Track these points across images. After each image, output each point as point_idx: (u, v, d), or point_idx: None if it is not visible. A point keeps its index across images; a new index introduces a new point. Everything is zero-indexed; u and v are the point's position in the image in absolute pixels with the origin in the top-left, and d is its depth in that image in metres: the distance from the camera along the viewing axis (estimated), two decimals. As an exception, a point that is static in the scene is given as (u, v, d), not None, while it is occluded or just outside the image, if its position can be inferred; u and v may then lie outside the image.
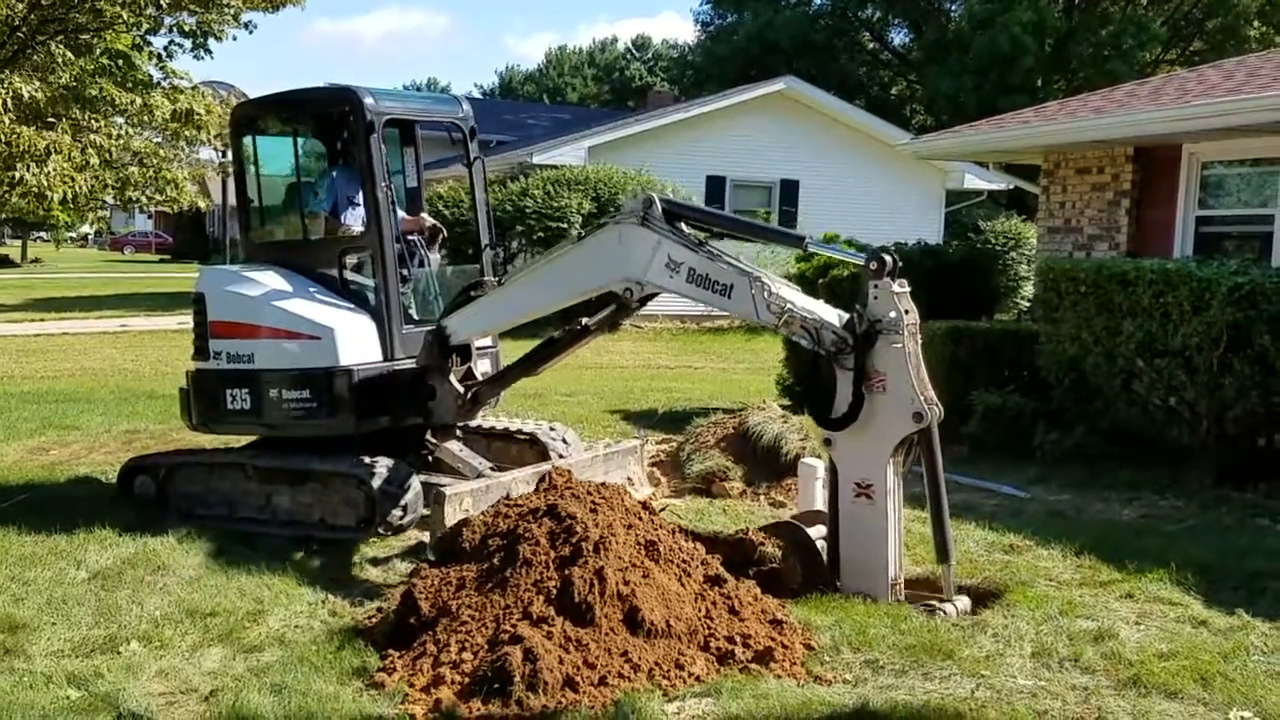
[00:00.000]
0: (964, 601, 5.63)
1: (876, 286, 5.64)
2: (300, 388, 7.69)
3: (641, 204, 6.42)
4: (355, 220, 8.15)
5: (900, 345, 5.56)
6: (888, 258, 5.64)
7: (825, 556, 5.97)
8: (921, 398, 5.51)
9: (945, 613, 5.51)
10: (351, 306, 7.87)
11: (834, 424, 5.71)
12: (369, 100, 7.74)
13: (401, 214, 8.59)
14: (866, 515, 5.64)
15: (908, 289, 5.72)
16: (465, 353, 7.69)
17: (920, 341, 5.71)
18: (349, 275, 8.06)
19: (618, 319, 7.19)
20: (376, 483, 7.25)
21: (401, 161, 9.06)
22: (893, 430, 5.61)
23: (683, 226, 6.39)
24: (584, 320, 7.24)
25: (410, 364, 7.72)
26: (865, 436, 5.65)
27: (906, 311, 5.61)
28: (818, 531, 6.10)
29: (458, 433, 8.09)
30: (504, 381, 7.83)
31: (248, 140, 8.54)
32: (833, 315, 5.87)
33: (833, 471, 5.84)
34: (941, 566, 5.62)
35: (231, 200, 9.00)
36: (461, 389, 7.58)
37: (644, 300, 6.62)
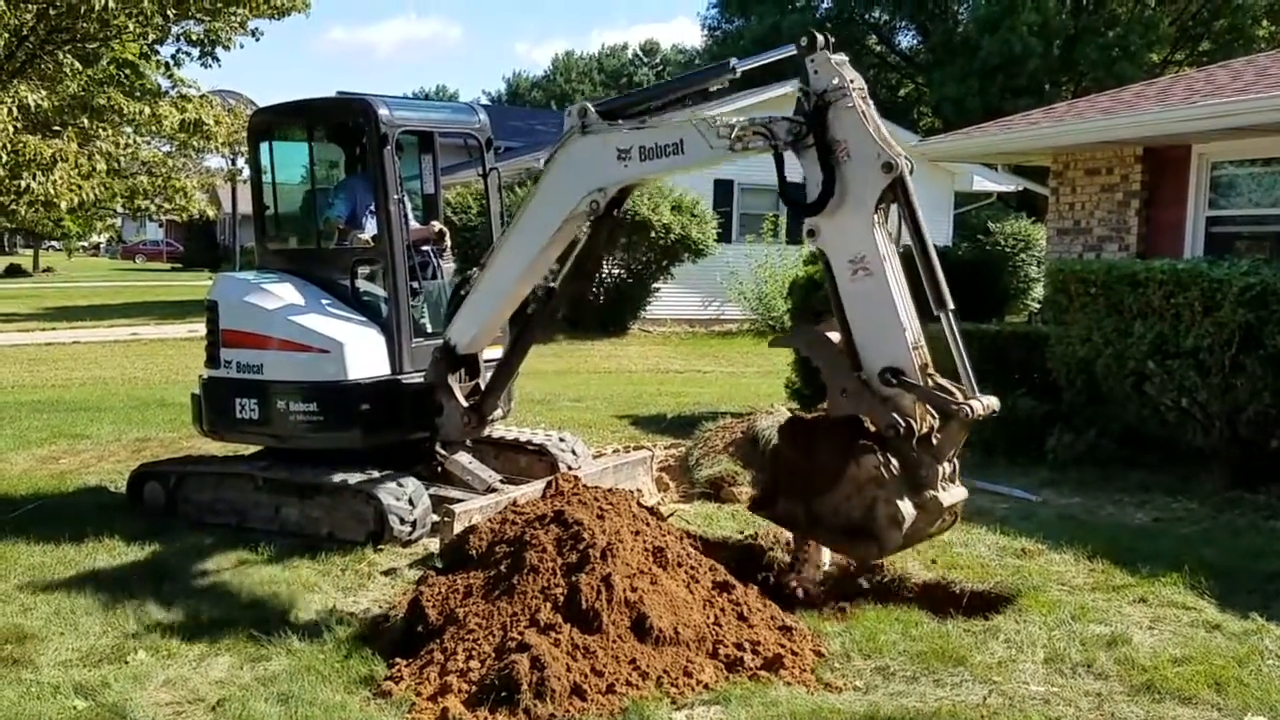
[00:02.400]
0: (991, 400, 5.27)
1: (813, 61, 5.48)
2: (308, 400, 7.69)
3: (577, 114, 6.39)
4: (373, 229, 8.13)
5: (852, 107, 5.38)
6: (818, 35, 5.52)
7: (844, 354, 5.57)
8: (887, 149, 5.29)
9: (969, 409, 5.08)
10: (362, 319, 7.85)
11: (813, 208, 5.46)
12: (383, 111, 7.73)
13: (415, 224, 8.60)
14: (870, 288, 5.34)
15: (846, 59, 5.58)
16: (473, 368, 7.61)
17: (872, 106, 5.51)
18: (361, 286, 8.05)
19: (594, 249, 6.92)
20: (386, 498, 7.23)
21: (419, 169, 9.06)
22: (868, 192, 5.35)
23: (620, 123, 6.31)
24: (548, 281, 7.07)
25: (420, 378, 7.68)
26: (844, 210, 5.41)
27: (851, 80, 5.44)
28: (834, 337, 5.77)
29: (467, 444, 8.07)
30: (500, 385, 7.62)
31: (264, 148, 8.55)
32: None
33: (824, 262, 5.55)
34: (940, 312, 5.28)
35: (242, 208, 9.04)
36: (467, 405, 7.51)
37: (613, 206, 6.46)
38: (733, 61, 6.20)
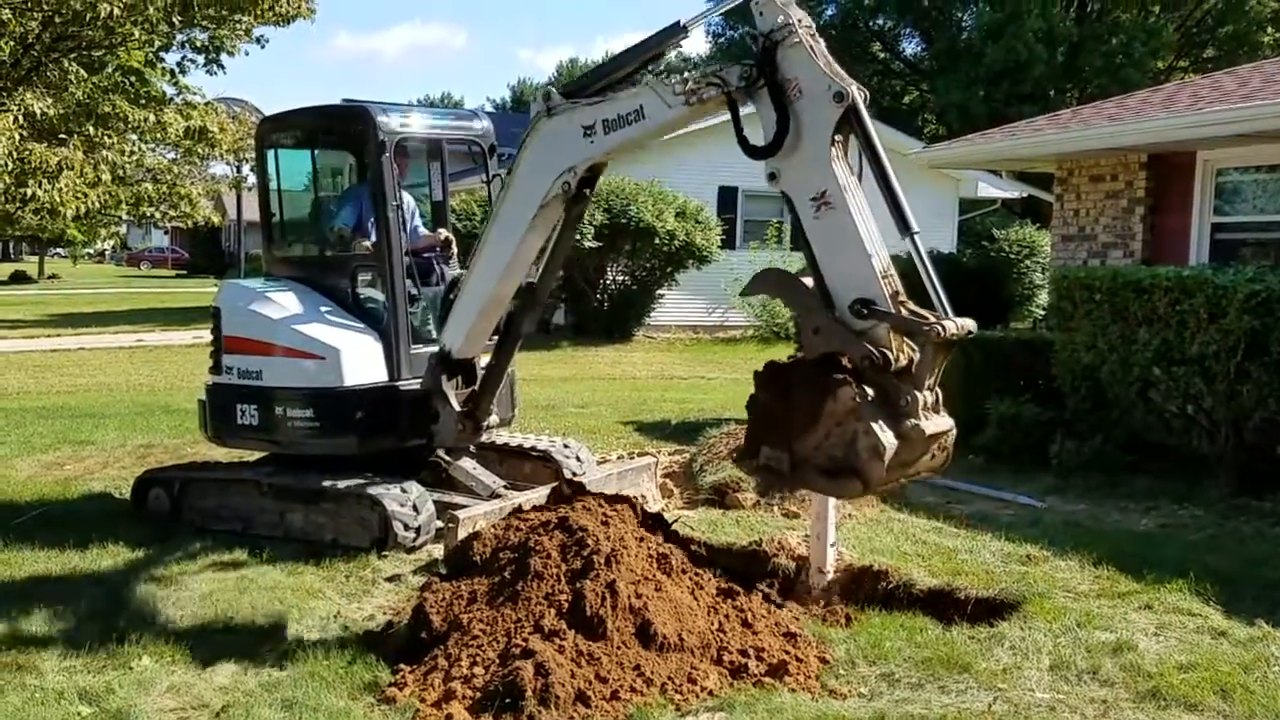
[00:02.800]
0: (966, 321, 5.14)
1: (758, 3, 5.42)
2: (305, 406, 7.71)
3: (542, 99, 6.39)
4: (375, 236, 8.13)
5: (799, 43, 5.32)
6: None
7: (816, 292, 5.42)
8: (837, 80, 5.21)
9: (940, 329, 4.96)
10: (361, 326, 7.87)
11: (769, 149, 5.37)
12: (383, 118, 7.74)
13: (424, 231, 8.61)
14: (833, 221, 5.24)
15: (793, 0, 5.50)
16: (468, 374, 7.59)
17: (820, 41, 5.45)
18: (362, 293, 8.07)
19: (571, 230, 6.93)
20: (391, 504, 7.23)
21: (428, 176, 9.07)
22: (822, 124, 5.27)
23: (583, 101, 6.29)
24: (529, 278, 7.10)
25: (418, 384, 7.68)
26: (802, 148, 5.34)
27: (799, 20, 5.38)
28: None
29: (471, 450, 8.07)
30: (491, 389, 7.60)
31: (271, 156, 8.58)
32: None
33: (790, 204, 5.44)
34: (905, 237, 5.16)
35: (246, 215, 9.09)
36: (461, 411, 7.49)
37: (584, 186, 6.46)
38: (682, 20, 6.08)
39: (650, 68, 6.31)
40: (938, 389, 5.13)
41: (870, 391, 4.93)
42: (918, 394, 4.96)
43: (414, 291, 8.01)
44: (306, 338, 7.73)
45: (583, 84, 6.37)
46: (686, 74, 5.79)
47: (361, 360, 7.71)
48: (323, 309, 7.94)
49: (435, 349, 7.56)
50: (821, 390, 4.97)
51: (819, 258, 5.28)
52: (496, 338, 7.52)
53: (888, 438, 4.85)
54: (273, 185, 8.63)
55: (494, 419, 7.90)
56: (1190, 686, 4.93)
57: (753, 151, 5.44)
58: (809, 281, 5.33)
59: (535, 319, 7.43)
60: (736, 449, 9.11)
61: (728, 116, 5.73)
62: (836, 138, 5.27)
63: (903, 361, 5.04)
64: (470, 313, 7.25)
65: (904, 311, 5.04)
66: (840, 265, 5.21)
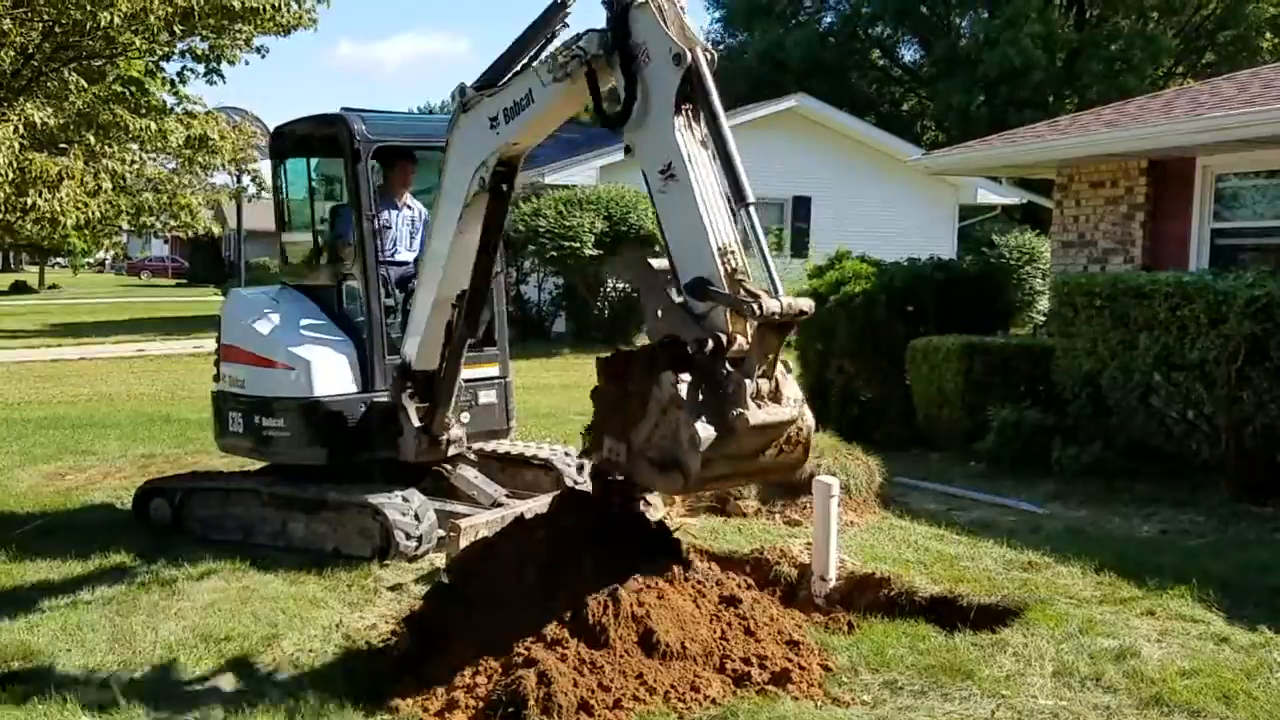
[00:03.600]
0: (799, 301, 4.80)
1: None
2: (277, 416, 7.76)
3: (458, 93, 6.34)
4: (387, 244, 8.12)
5: (645, 3, 5.11)
6: None
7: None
8: (678, 42, 4.98)
9: (758, 307, 4.62)
10: (339, 337, 7.88)
11: (619, 119, 5.20)
12: (358, 126, 7.74)
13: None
14: (676, 195, 5.03)
15: None
16: (424, 386, 7.44)
17: (677, 4, 5.17)
18: (346, 303, 8.08)
19: (495, 230, 6.66)
20: (392, 513, 7.23)
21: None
22: (666, 90, 5.05)
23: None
24: (462, 289, 6.93)
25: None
26: (650, 117, 5.13)
27: None
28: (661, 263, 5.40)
29: (472, 458, 8.07)
30: (443, 401, 7.41)
31: (281, 166, 8.65)
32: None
33: (645, 178, 5.24)
34: (740, 208, 4.93)
35: (247, 225, 9.14)
36: (419, 427, 7.42)
37: (501, 180, 6.32)
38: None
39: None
40: (780, 376, 4.86)
41: (695, 379, 4.73)
42: (745, 381, 4.67)
43: (390, 302, 7.97)
44: (280, 347, 7.80)
45: (491, 76, 6.22)
46: (554, 50, 5.61)
47: (333, 371, 7.72)
48: (306, 320, 7.97)
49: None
50: (651, 380, 4.81)
51: (667, 234, 5.11)
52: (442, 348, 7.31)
53: (705, 429, 4.62)
54: (282, 195, 8.72)
55: (457, 431, 7.68)
56: (1193, 693, 4.93)
57: (607, 121, 5.28)
58: (663, 263, 5.15)
59: (475, 326, 7.20)
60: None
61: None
62: (685, 106, 5.03)
63: (745, 346, 4.74)
64: (421, 321, 7.19)
65: (741, 291, 4.73)
66: (683, 241, 5.01)
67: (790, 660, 5.19)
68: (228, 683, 5.33)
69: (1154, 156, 11.55)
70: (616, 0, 5.18)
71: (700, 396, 4.71)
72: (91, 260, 76.06)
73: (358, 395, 7.75)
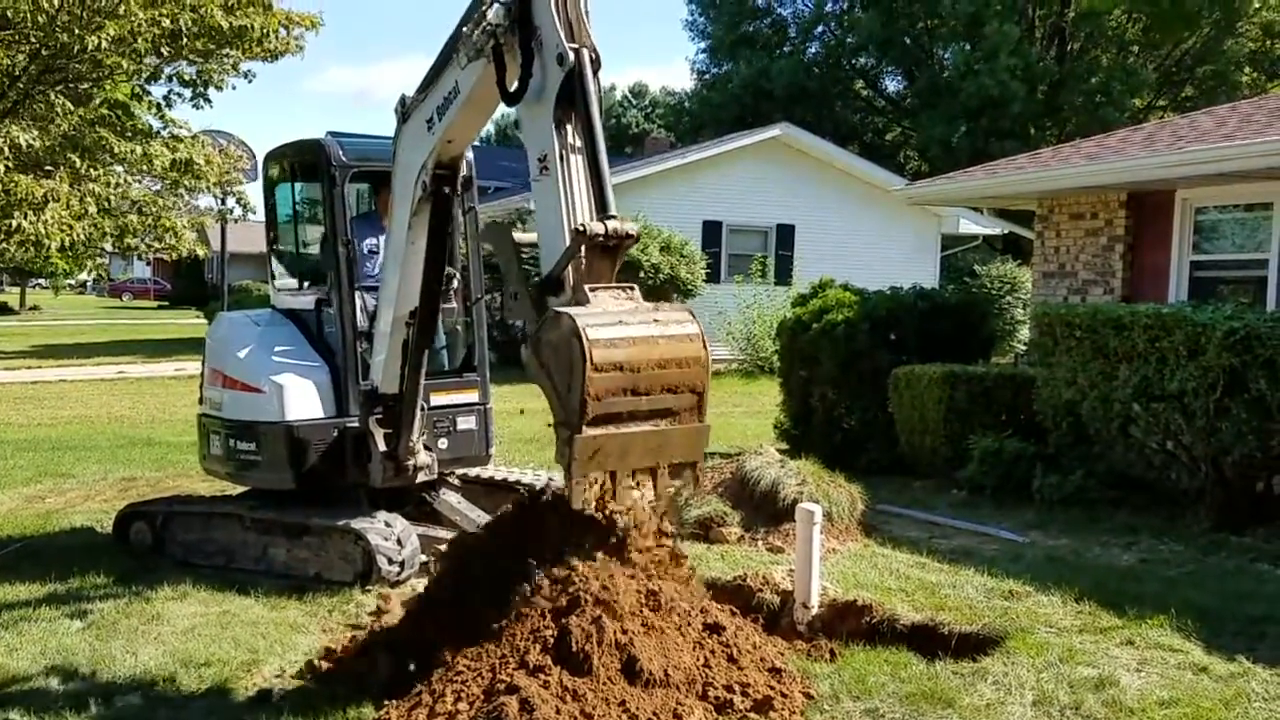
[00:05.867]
0: (625, 225, 4.92)
1: None
2: (249, 439, 7.78)
3: (399, 105, 6.40)
4: (373, 268, 8.13)
5: None
6: None
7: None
8: (567, 41, 4.99)
9: (585, 226, 4.80)
10: (316, 361, 7.88)
11: (513, 96, 5.22)
12: (334, 151, 7.78)
13: None
14: (546, 188, 5.07)
15: None
16: (390, 412, 7.44)
17: None
18: (326, 327, 8.09)
19: (440, 240, 6.69)
20: (374, 538, 7.22)
21: None
22: (548, 88, 5.08)
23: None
24: (414, 306, 6.95)
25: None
26: (536, 104, 5.16)
27: None
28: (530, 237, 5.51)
29: (456, 484, 8.07)
30: (405, 427, 7.41)
31: (269, 188, 8.68)
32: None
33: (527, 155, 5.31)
34: (600, 216, 4.93)
35: (230, 247, 9.15)
36: (384, 452, 7.43)
37: (442, 183, 6.35)
38: None
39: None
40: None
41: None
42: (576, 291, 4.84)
43: (364, 327, 7.97)
44: (253, 371, 7.83)
45: (425, 81, 6.25)
46: (469, 30, 5.55)
47: (304, 396, 7.73)
48: (283, 345, 7.97)
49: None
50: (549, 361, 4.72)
51: (538, 224, 5.17)
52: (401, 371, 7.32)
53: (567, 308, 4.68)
54: (273, 219, 8.76)
55: (424, 458, 7.67)
56: (1172, 722, 4.95)
57: (505, 96, 5.30)
58: (532, 238, 5.22)
59: (427, 342, 7.17)
60: (721, 483, 9.15)
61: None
62: (565, 105, 5.05)
63: None
64: (382, 343, 7.22)
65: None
66: (544, 234, 5.09)
67: (773, 688, 5.19)
68: (208, 708, 5.30)
69: (1134, 189, 11.67)
70: None
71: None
72: (73, 282, 75.69)
73: (329, 420, 7.74)
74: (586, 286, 4.77)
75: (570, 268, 4.86)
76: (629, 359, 4.68)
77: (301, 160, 8.40)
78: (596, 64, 5.01)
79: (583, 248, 4.86)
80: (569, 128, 5.07)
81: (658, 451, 4.96)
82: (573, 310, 4.65)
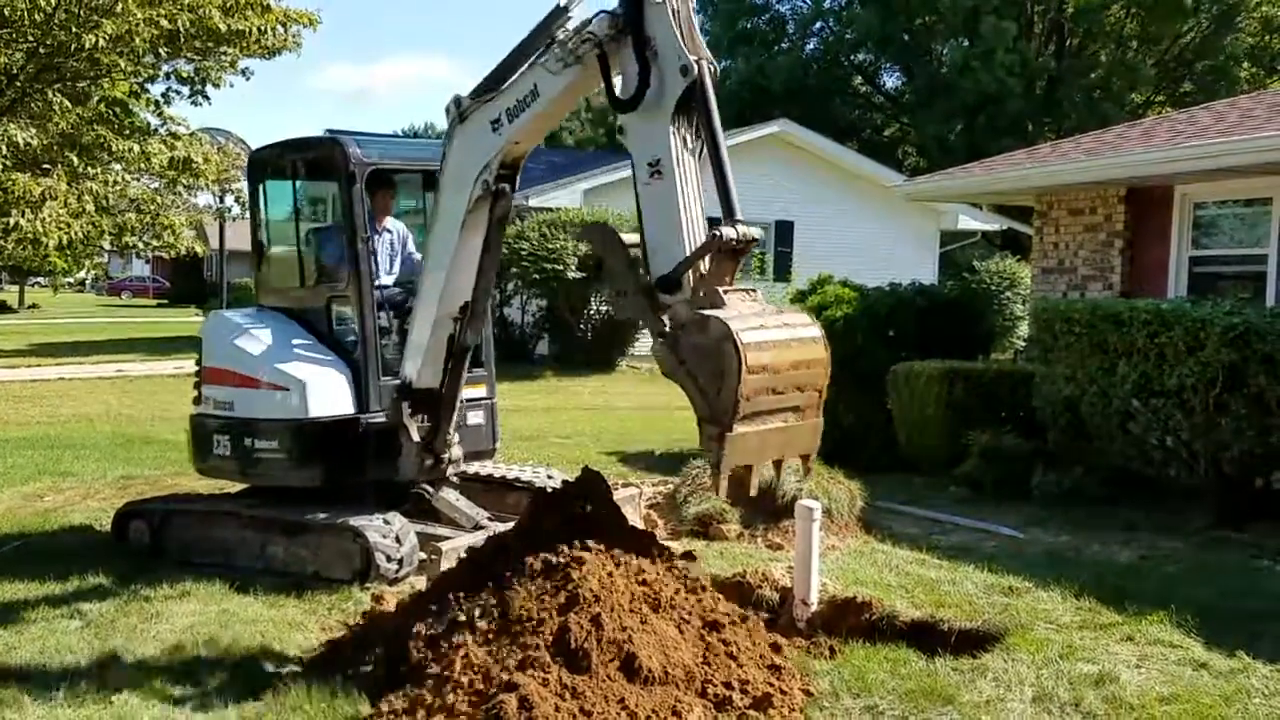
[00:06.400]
0: (751, 230, 5.17)
1: None
2: (271, 438, 7.73)
3: (453, 105, 6.47)
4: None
5: (662, 3, 5.31)
6: None
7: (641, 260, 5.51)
8: (688, 54, 5.22)
9: (721, 232, 5.06)
10: (332, 358, 7.87)
11: (629, 103, 5.37)
12: (353, 149, 7.77)
13: (418, 257, 8.62)
14: (660, 192, 5.31)
15: None
16: (430, 406, 7.50)
17: (690, 3, 5.43)
18: (337, 324, 8.08)
19: (500, 235, 6.91)
20: (373, 536, 7.21)
21: (423, 205, 9.10)
22: (668, 93, 5.29)
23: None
24: (465, 300, 7.07)
25: (384, 417, 7.67)
26: (646, 110, 5.36)
27: None
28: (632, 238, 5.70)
29: (454, 481, 8.06)
30: (445, 419, 7.51)
31: (259, 187, 8.63)
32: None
33: (632, 163, 5.49)
34: (727, 221, 5.16)
35: (229, 245, 9.10)
36: (420, 445, 7.46)
37: (503, 182, 6.48)
38: (562, 1, 6.11)
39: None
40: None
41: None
42: (708, 293, 5.05)
43: (385, 324, 7.99)
44: (274, 369, 7.77)
45: (489, 84, 6.38)
46: (563, 37, 5.78)
47: (328, 392, 7.71)
48: (296, 341, 7.96)
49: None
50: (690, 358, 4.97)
51: (644, 224, 5.36)
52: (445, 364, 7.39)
53: (710, 311, 4.89)
54: (261, 216, 8.68)
55: (456, 451, 7.76)
56: (1172, 718, 4.95)
57: (618, 104, 5.44)
58: (634, 238, 5.40)
59: (477, 336, 7.33)
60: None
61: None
62: (684, 109, 5.28)
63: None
64: (421, 338, 7.26)
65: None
66: (657, 236, 5.28)
67: (772, 685, 5.19)
68: (206, 707, 5.29)
69: (1133, 185, 11.66)
70: None
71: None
72: (72, 280, 75.56)
73: (353, 416, 7.76)
74: (719, 289, 5.02)
75: (710, 269, 5.13)
76: (772, 361, 4.98)
77: (315, 158, 8.40)
78: (714, 74, 5.29)
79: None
80: (684, 134, 5.32)
81: (786, 445, 5.36)
82: (722, 314, 4.88)
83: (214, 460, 8.12)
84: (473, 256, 6.82)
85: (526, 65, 6.14)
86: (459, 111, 6.45)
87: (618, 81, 5.54)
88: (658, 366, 5.09)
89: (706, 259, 5.14)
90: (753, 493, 5.41)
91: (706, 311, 4.92)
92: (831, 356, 5.45)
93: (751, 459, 5.15)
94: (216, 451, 8.02)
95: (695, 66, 5.16)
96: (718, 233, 5.03)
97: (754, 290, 5.27)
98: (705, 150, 5.27)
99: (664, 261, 5.20)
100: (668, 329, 5.08)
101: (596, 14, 5.62)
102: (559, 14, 6.05)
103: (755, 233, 5.19)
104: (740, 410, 4.87)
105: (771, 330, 5.03)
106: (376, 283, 8.09)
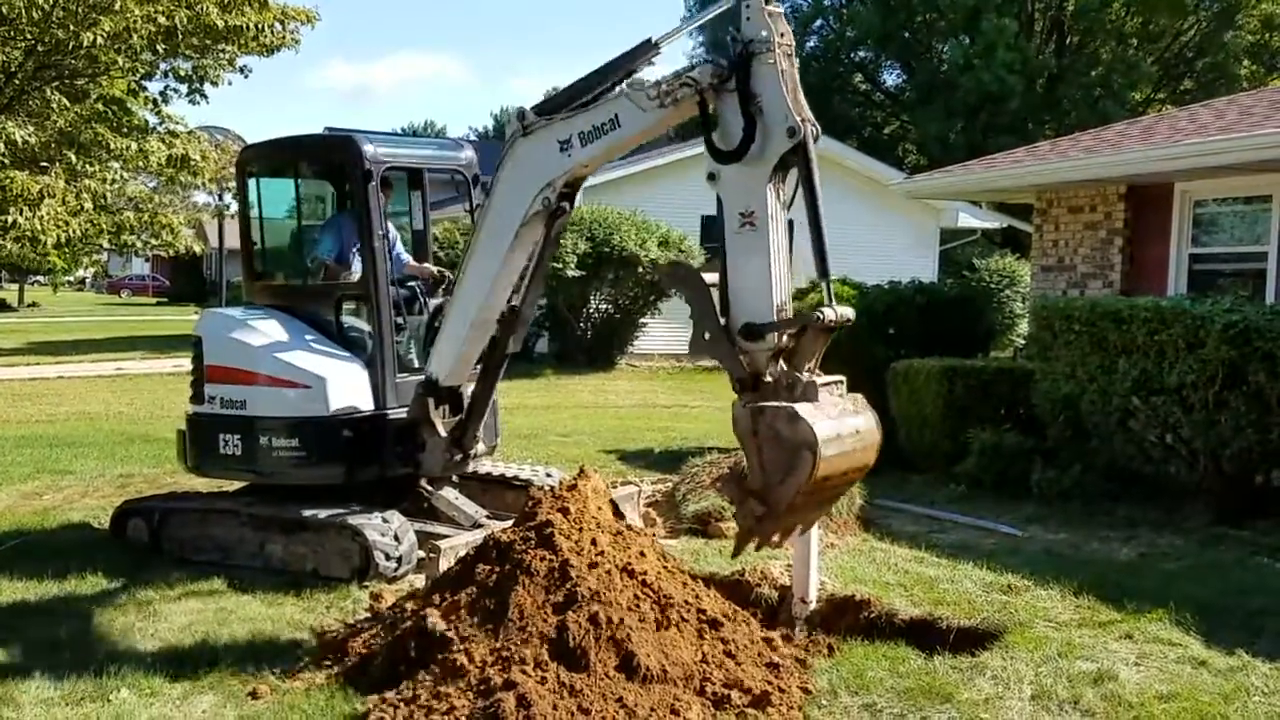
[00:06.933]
0: (846, 310, 5.37)
1: (748, 6, 5.48)
2: (291, 436, 7.69)
3: (516, 118, 6.49)
4: (360, 265, 8.14)
5: (774, 64, 5.40)
6: None
7: (718, 300, 5.69)
8: (796, 115, 5.36)
9: (822, 315, 5.25)
10: (346, 355, 7.87)
11: (733, 155, 5.48)
12: (368, 148, 7.77)
13: (408, 258, 8.62)
14: (751, 243, 5.47)
15: (780, 9, 5.58)
16: (455, 402, 7.61)
17: (795, 63, 5.56)
18: (347, 321, 8.07)
19: (554, 246, 7.03)
20: (371, 534, 7.20)
21: (409, 204, 9.09)
22: (770, 151, 5.43)
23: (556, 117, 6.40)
24: (512, 301, 7.15)
25: (404, 412, 7.68)
26: (744, 163, 5.48)
27: (781, 34, 5.46)
28: (711, 277, 5.88)
29: (454, 480, 8.06)
30: (478, 416, 7.63)
31: (252, 184, 8.58)
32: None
33: (719, 207, 5.64)
34: (821, 281, 5.45)
35: (228, 244, 9.09)
36: (448, 440, 7.53)
37: (564, 200, 6.55)
38: (653, 37, 6.18)
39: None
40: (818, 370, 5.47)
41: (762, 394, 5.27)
42: (800, 374, 5.27)
43: (399, 321, 8.03)
44: (291, 366, 7.71)
45: (557, 102, 6.43)
46: (660, 78, 5.86)
47: (347, 389, 7.71)
48: (309, 338, 7.94)
49: (420, 378, 7.57)
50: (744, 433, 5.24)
51: (730, 270, 5.51)
52: (482, 363, 7.53)
53: (801, 407, 5.05)
54: (254, 213, 8.64)
55: (481, 446, 7.92)
56: (1170, 717, 4.95)
57: (719, 154, 5.53)
58: (713, 278, 5.56)
59: (519, 341, 7.47)
60: (719, 478, 9.13)
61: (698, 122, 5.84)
62: (781, 167, 5.44)
63: (770, 381, 5.34)
64: (456, 339, 7.29)
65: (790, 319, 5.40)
66: (745, 284, 5.44)
67: (770, 683, 5.18)
68: (204, 705, 5.29)
69: (1132, 182, 11.64)
70: (744, 44, 5.43)
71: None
72: (71, 279, 75.60)
73: (373, 412, 7.77)
74: (815, 379, 5.26)
75: (803, 345, 5.34)
76: (838, 469, 5.21)
77: (325, 156, 8.36)
78: (816, 136, 5.42)
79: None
80: (780, 190, 5.51)
81: (815, 515, 5.75)
82: (809, 416, 5.02)
83: (218, 460, 8.04)
84: (519, 266, 6.89)
85: (603, 90, 6.19)
86: (522, 124, 6.45)
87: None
88: (732, 425, 5.26)
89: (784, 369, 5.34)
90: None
91: (797, 407, 5.05)
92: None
93: (781, 535, 5.39)
94: (224, 451, 7.93)
95: (801, 128, 5.30)
96: (819, 315, 5.22)
97: (841, 381, 5.45)
98: (806, 210, 5.42)
99: (748, 310, 5.38)
100: (748, 376, 5.32)
101: (699, 63, 5.71)
102: (648, 49, 6.13)
103: (849, 313, 5.38)
104: (794, 505, 5.11)
105: (848, 440, 5.25)
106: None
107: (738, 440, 5.27)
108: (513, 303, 7.17)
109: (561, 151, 6.33)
